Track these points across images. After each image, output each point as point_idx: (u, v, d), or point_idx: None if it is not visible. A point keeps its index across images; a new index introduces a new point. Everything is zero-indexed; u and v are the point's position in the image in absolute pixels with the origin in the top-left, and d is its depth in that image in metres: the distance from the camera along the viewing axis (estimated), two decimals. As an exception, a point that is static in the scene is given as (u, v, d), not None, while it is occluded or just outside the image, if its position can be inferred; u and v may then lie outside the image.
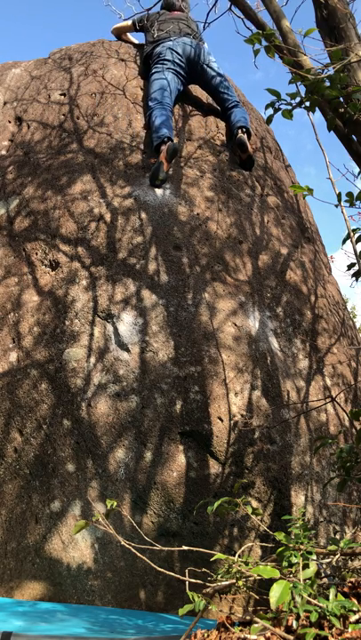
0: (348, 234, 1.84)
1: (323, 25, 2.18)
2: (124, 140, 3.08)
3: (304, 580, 1.12)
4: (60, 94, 3.43)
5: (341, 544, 1.30)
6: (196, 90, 3.61)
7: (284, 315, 2.76)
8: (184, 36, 3.53)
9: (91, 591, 2.02)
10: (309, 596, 1.08)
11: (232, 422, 2.26)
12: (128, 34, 3.99)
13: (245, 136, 3.16)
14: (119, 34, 3.97)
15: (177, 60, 3.34)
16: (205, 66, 3.40)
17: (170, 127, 3.00)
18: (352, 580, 1.36)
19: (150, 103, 3.14)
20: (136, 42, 4.01)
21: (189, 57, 3.39)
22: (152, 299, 2.49)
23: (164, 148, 2.87)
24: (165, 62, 3.32)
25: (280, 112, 1.84)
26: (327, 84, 1.80)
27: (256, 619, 1.09)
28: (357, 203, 1.81)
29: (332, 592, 1.08)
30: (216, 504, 1.43)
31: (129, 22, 3.85)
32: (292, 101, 1.82)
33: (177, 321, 2.45)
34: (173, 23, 3.63)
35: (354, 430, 2.68)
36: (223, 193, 3.02)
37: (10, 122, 3.42)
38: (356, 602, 1.10)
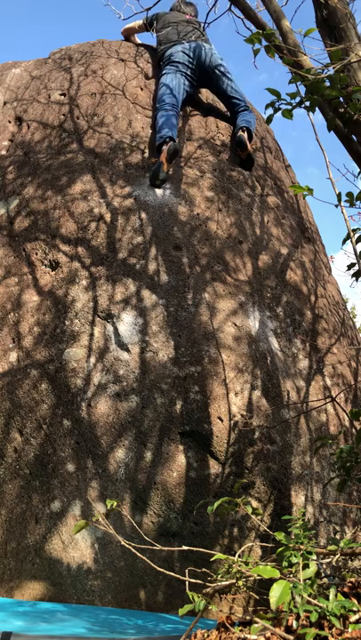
0: (349, 234, 1.84)
1: (323, 25, 2.18)
2: (124, 140, 3.08)
3: (304, 580, 1.12)
4: (60, 94, 3.43)
5: (341, 544, 1.30)
6: (197, 90, 3.60)
7: (285, 315, 2.76)
8: (196, 38, 3.53)
9: (91, 591, 2.02)
10: (309, 596, 1.08)
11: (232, 422, 2.26)
12: (136, 35, 3.99)
13: (246, 135, 3.17)
14: (129, 35, 3.96)
15: (187, 63, 3.36)
16: (217, 70, 3.41)
17: (172, 127, 3.01)
18: (352, 579, 1.36)
19: (157, 104, 3.17)
20: (138, 41, 4.01)
21: (201, 60, 3.39)
22: (152, 299, 2.49)
23: (165, 148, 2.88)
24: (176, 64, 3.34)
25: (280, 112, 1.84)
26: (327, 84, 1.80)
27: (256, 619, 1.09)
28: (357, 203, 1.81)
29: (332, 592, 1.08)
30: (216, 504, 1.43)
31: (139, 22, 3.85)
32: (293, 101, 1.82)
33: (177, 321, 2.45)
34: (184, 25, 3.62)
35: (354, 430, 2.68)
36: (223, 193, 3.02)
37: (10, 122, 3.43)
38: (356, 602, 1.10)
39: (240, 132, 3.18)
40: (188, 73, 3.36)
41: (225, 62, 3.47)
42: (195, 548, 1.39)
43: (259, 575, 1.14)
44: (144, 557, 1.41)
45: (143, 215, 2.74)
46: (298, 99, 1.81)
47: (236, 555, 1.31)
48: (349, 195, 1.82)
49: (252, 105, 4.00)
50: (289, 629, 1.06)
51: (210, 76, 3.42)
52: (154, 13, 3.78)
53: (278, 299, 2.79)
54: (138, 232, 2.68)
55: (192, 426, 2.24)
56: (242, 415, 2.30)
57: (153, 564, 1.33)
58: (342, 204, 1.83)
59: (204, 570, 1.40)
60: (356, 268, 1.92)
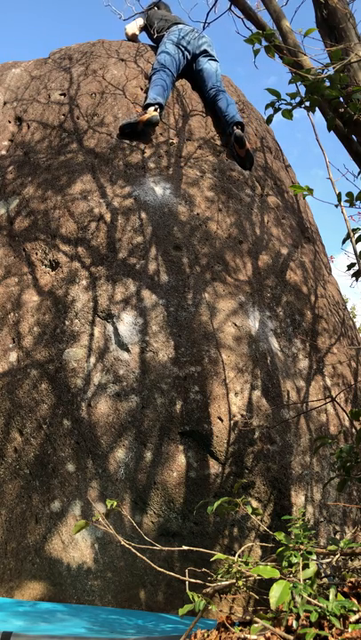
0: (349, 234, 1.84)
1: (323, 25, 2.18)
2: (124, 140, 3.08)
3: (304, 580, 1.12)
4: (60, 94, 3.43)
5: (341, 544, 1.30)
6: (196, 90, 3.61)
7: (285, 315, 2.76)
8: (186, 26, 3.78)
9: (91, 591, 2.02)
10: (309, 596, 1.08)
11: (232, 422, 2.26)
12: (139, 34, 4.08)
13: (241, 131, 3.18)
14: (134, 36, 4.01)
15: (183, 42, 3.56)
16: (204, 56, 3.58)
17: (165, 92, 3.21)
18: (352, 579, 1.36)
19: (155, 65, 3.37)
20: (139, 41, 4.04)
21: (193, 44, 3.60)
22: (152, 299, 2.49)
23: (149, 111, 3.04)
24: (174, 38, 3.55)
25: (280, 113, 1.84)
26: (327, 83, 1.80)
27: (256, 619, 1.09)
28: (357, 203, 1.81)
29: (332, 592, 1.08)
30: (216, 504, 1.43)
31: (141, 22, 3.94)
32: (293, 101, 1.82)
33: (177, 321, 2.45)
34: (175, 19, 3.86)
35: (354, 430, 2.68)
36: (223, 193, 3.02)
37: (10, 122, 3.42)
38: (356, 602, 1.10)
39: (236, 129, 3.17)
40: (186, 48, 3.54)
41: (213, 49, 3.68)
42: (195, 548, 1.39)
43: (259, 575, 1.14)
44: (144, 557, 1.41)
45: (143, 215, 2.74)
46: (298, 99, 1.81)
47: (236, 555, 1.31)
48: (349, 195, 1.82)
49: (251, 104, 4.01)
50: (289, 629, 1.06)
51: (198, 61, 3.59)
52: (145, 13, 3.92)
53: (278, 299, 2.79)
54: (138, 232, 2.68)
55: (192, 426, 2.24)
56: (242, 415, 2.30)
57: (153, 564, 1.33)
58: (342, 204, 1.83)
59: (204, 570, 1.40)
60: (356, 267, 1.92)
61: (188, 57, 3.55)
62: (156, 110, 3.05)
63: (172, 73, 3.33)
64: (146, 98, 3.19)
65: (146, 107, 3.10)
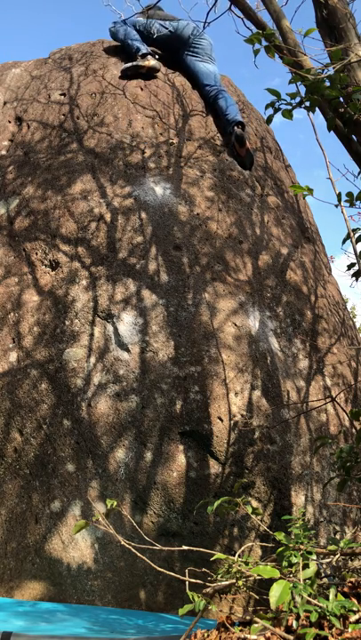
0: (349, 234, 1.84)
1: (323, 25, 2.18)
2: (124, 140, 3.08)
3: (304, 580, 1.12)
4: (60, 94, 3.43)
5: (341, 544, 1.30)
6: (196, 90, 3.60)
7: (285, 315, 2.76)
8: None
9: (91, 591, 2.02)
10: (309, 595, 1.08)
11: (232, 422, 2.26)
12: None
13: (241, 130, 3.18)
14: None
15: (155, 31, 3.60)
16: (198, 52, 3.60)
17: (141, 41, 3.43)
18: (352, 580, 1.36)
19: (116, 29, 3.62)
20: None
21: (181, 32, 3.61)
22: (152, 299, 2.49)
23: (149, 60, 3.19)
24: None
25: (280, 113, 1.84)
26: (327, 83, 1.80)
27: (256, 619, 1.09)
28: (357, 203, 1.81)
29: (332, 592, 1.08)
30: (216, 504, 1.43)
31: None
32: (293, 101, 1.82)
33: (177, 321, 2.45)
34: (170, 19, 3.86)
35: (354, 430, 2.68)
36: (223, 193, 3.02)
37: (10, 122, 3.42)
38: (356, 602, 1.10)
39: (236, 129, 3.17)
40: (164, 25, 3.58)
41: (213, 52, 3.70)
42: (195, 548, 1.39)
43: (259, 575, 1.14)
44: (144, 557, 1.41)
45: (143, 215, 2.74)
46: (298, 99, 1.81)
47: (236, 555, 1.31)
48: (349, 195, 1.81)
49: (251, 104, 4.01)
50: (289, 629, 1.06)
51: (189, 50, 3.62)
52: (147, 21, 3.93)
53: (278, 299, 2.79)
54: (138, 232, 2.68)
55: (192, 426, 2.24)
56: (242, 415, 2.30)
57: (153, 564, 1.34)
58: (342, 204, 1.83)
59: (204, 570, 1.40)
60: (356, 267, 1.92)
61: (172, 30, 3.58)
62: (154, 58, 3.19)
63: (132, 27, 3.49)
64: (135, 49, 3.34)
65: (143, 56, 3.23)
